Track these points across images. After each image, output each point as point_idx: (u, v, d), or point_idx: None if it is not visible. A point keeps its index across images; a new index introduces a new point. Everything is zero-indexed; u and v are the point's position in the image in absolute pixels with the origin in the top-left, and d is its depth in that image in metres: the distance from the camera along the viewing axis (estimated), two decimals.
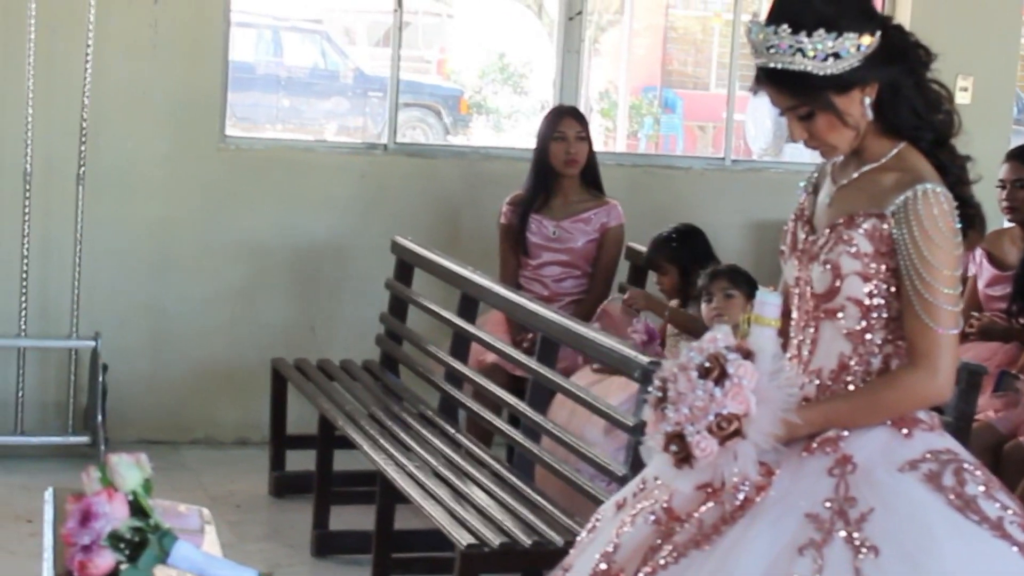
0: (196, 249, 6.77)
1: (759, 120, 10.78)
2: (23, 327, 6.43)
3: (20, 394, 6.48)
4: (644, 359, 4.35)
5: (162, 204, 6.70)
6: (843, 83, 3.00)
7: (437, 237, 6.73)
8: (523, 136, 7.08)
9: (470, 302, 5.72)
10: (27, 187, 6.36)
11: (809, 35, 2.97)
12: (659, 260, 5.88)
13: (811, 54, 2.97)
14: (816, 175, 3.25)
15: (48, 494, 3.52)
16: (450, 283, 5.88)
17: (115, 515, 2.73)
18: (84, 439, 6.40)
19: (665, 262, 5.83)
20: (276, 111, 11.02)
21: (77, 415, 6.54)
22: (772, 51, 3.00)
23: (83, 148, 6.39)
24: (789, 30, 2.98)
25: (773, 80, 3.04)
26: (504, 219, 6.42)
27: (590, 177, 6.40)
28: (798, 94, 3.03)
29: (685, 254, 5.76)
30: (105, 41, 6.43)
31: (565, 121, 6.35)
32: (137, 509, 2.77)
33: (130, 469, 2.81)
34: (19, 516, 5.68)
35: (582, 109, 6.93)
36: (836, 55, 2.97)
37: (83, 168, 6.40)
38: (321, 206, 6.93)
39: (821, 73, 2.99)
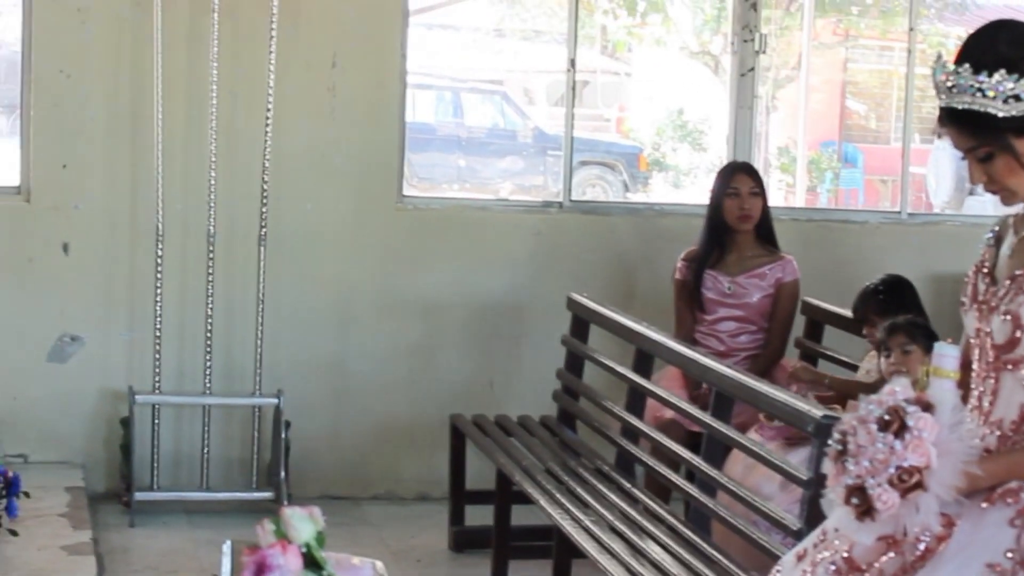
0: (376, 307, 6.87)
1: (940, 173, 10.65)
2: (208, 385, 6.57)
3: (206, 451, 6.61)
4: (818, 413, 4.31)
5: (342, 263, 6.82)
6: (1022, 126, 2.98)
7: (613, 293, 6.75)
8: (702, 192, 7.10)
9: (646, 358, 5.72)
10: (211, 249, 6.51)
11: (990, 75, 2.95)
12: (866, 313, 5.80)
13: (991, 95, 2.95)
14: (999, 227, 3.22)
15: (226, 547, 3.58)
16: (626, 339, 5.88)
17: (289, 567, 2.78)
18: (268, 495, 6.51)
19: (873, 315, 5.75)
20: (455, 171, 11.15)
21: (261, 471, 6.66)
22: (954, 91, 2.99)
23: (265, 210, 6.53)
24: (971, 70, 2.96)
25: (954, 120, 3.02)
26: (679, 275, 6.41)
27: (765, 232, 6.37)
28: (977, 134, 3.01)
29: (893, 306, 5.67)
30: (285, 105, 6.58)
31: (738, 177, 6.35)
32: (310, 561, 2.82)
33: (304, 522, 2.86)
34: (204, 570, 5.79)
35: (760, 165, 6.92)
36: (1017, 97, 2.95)
37: (265, 230, 6.54)
38: (498, 264, 6.99)
39: (1001, 114, 2.96)
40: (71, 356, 6.64)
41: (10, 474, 5.23)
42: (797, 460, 4.85)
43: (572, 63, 7.08)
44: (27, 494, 5.40)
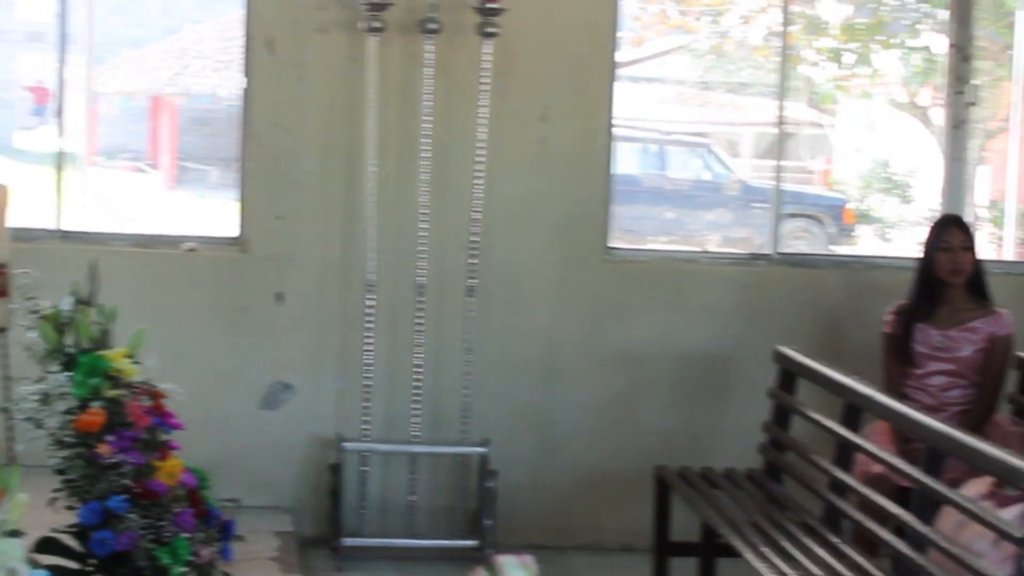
0: (581, 358, 6.90)
1: None
2: (415, 433, 6.66)
3: (412, 498, 6.70)
4: None
5: (549, 314, 6.87)
6: None
7: (820, 346, 6.70)
8: (910, 245, 7.01)
9: (854, 411, 5.67)
10: (420, 299, 6.61)
11: None
12: None
13: None
14: None
15: None
16: (834, 392, 5.83)
17: None
18: (473, 543, 6.57)
19: None
20: (661, 223, 11.17)
21: (467, 519, 6.72)
22: None
23: (473, 261, 6.61)
24: None
25: None
26: (888, 328, 6.35)
27: (977, 286, 6.29)
28: None
29: None
30: (494, 158, 6.67)
31: (950, 231, 6.28)
32: None
33: (516, 570, 2.90)
34: None
35: (969, 218, 6.82)
36: None
37: (473, 280, 6.63)
38: (704, 315, 6.99)
39: None
40: (283, 403, 6.79)
41: (225, 518, 5.35)
42: (1010, 517, 4.76)
43: (781, 116, 7.06)
44: (240, 538, 5.51)
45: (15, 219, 5.75)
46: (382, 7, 6.45)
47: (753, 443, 6.35)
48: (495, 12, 6.47)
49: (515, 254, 6.84)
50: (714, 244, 10.83)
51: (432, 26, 6.52)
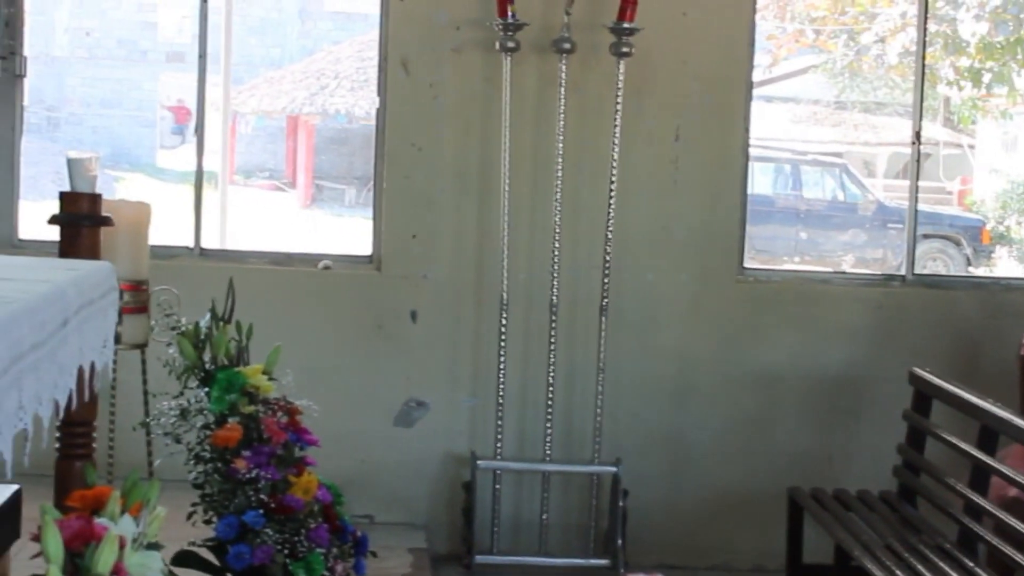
0: (714, 378, 6.89)
1: None
2: (548, 452, 6.68)
3: (544, 517, 6.72)
4: None
5: (681, 334, 6.87)
6: None
7: (955, 368, 6.63)
8: None
9: (990, 434, 5.60)
10: (553, 318, 6.64)
11: None
12: None
13: None
14: None
15: None
16: (970, 415, 5.77)
17: None
18: (604, 562, 6.57)
19: None
20: (795, 243, 11.12)
21: (598, 539, 6.73)
22: None
23: (606, 280, 6.63)
24: None
25: None
26: None
27: None
28: None
29: None
30: (628, 178, 6.68)
31: None
32: None
33: None
34: None
35: None
36: None
37: (606, 300, 6.64)
38: (838, 337, 6.94)
39: None
40: (417, 421, 6.84)
41: (359, 534, 5.41)
42: None
43: (917, 135, 7.01)
44: (374, 554, 5.56)
45: (155, 237, 5.85)
46: (517, 27, 6.49)
47: (887, 465, 6.30)
48: (629, 32, 6.49)
49: (648, 274, 6.84)
50: (848, 265, 10.76)
51: (566, 46, 6.55)
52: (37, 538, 3.11)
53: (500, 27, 6.50)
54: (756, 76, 7.21)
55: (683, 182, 6.83)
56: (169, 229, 7.40)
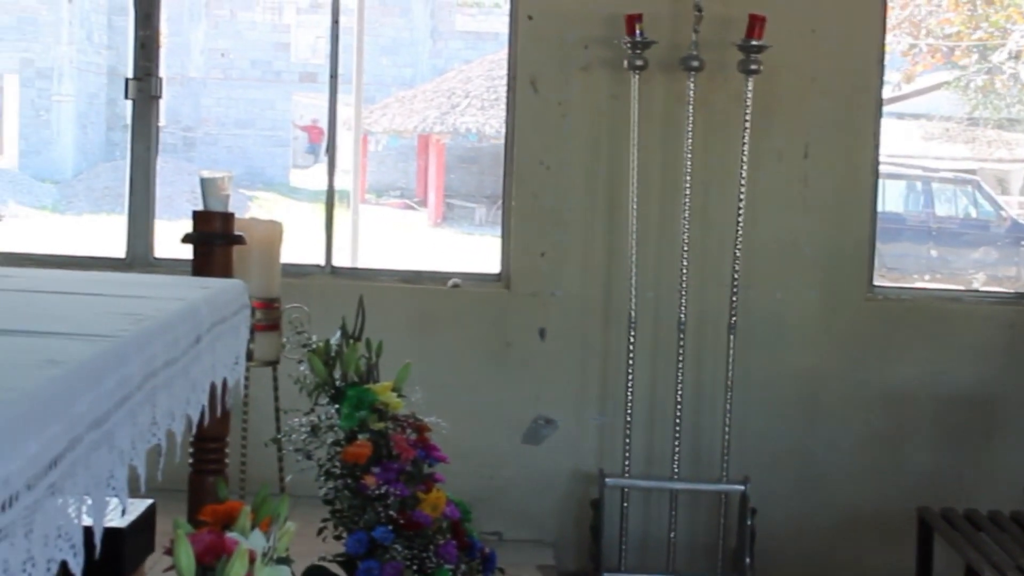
0: (843, 397, 6.84)
1: None
2: (676, 470, 6.67)
3: (672, 535, 6.71)
4: None
5: (810, 352, 6.83)
6: None
7: None
8: None
9: None
10: (681, 336, 6.63)
11: None
12: None
13: None
14: None
15: None
16: None
17: None
18: None
19: None
20: (926, 261, 11.01)
21: (726, 557, 6.70)
22: None
23: (735, 298, 6.61)
24: None
25: None
26: None
27: None
28: None
29: None
30: (756, 196, 6.66)
31: None
32: None
33: None
34: None
35: None
36: None
37: (734, 318, 6.62)
38: (969, 356, 6.86)
39: None
40: (545, 438, 6.87)
41: (487, 550, 5.45)
42: None
43: None
44: (502, 571, 5.59)
45: (287, 255, 5.93)
46: (645, 46, 6.50)
47: (1019, 485, 6.22)
48: (758, 49, 6.47)
49: (777, 292, 6.81)
50: (980, 283, 10.62)
51: (694, 64, 6.55)
52: (170, 551, 3.17)
53: (628, 45, 6.51)
54: (887, 93, 7.15)
55: (812, 199, 6.80)
56: (301, 247, 7.49)
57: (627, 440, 6.64)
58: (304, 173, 31.71)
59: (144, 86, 6.97)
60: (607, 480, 6.60)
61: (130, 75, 7.02)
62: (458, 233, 25.24)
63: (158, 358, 2.98)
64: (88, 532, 2.33)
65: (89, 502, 2.39)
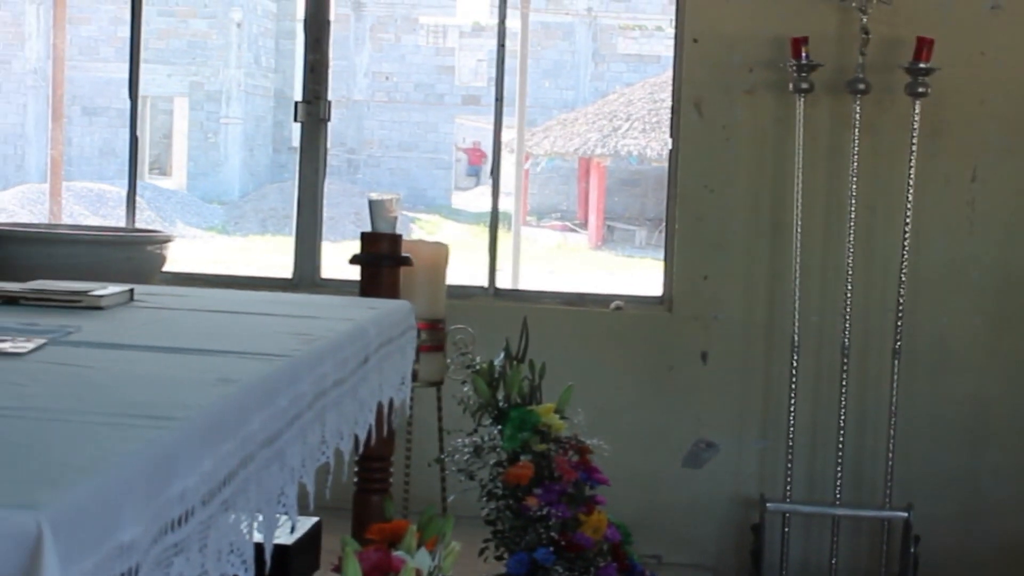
0: (1012, 424, 6.73)
1: None
2: (838, 496, 6.61)
3: (834, 561, 6.64)
4: None
5: (977, 378, 6.73)
6: None
7: None
8: None
9: None
10: (845, 361, 6.57)
11: None
12: None
13: None
14: None
15: None
16: None
17: None
18: None
19: None
20: None
21: None
22: None
23: (899, 323, 6.54)
24: None
25: None
26: None
27: None
28: None
29: None
30: (922, 220, 6.59)
31: None
32: None
33: None
34: None
35: None
36: None
37: (899, 342, 6.55)
38: None
39: None
40: (706, 462, 6.85)
41: (647, 573, 5.45)
42: None
43: None
44: None
45: (451, 277, 5.98)
46: (811, 68, 6.47)
47: None
48: (925, 72, 6.41)
49: (943, 317, 6.73)
50: None
51: (861, 87, 6.50)
52: (337, 569, 3.22)
53: (793, 68, 6.49)
54: None
55: (979, 223, 6.71)
56: (463, 269, 7.55)
57: (789, 465, 6.60)
58: (465, 195, 31.95)
59: (313, 109, 7.09)
60: (768, 505, 6.56)
61: (299, 98, 7.14)
62: (618, 256, 25.26)
63: (328, 378, 3.03)
64: (258, 548, 2.38)
65: (260, 518, 2.44)
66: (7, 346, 2.74)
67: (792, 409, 6.58)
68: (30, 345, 2.77)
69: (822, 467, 6.70)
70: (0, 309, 3.34)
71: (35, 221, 19.55)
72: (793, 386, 6.57)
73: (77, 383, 2.49)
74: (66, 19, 18.88)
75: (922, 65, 6.41)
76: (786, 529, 6.65)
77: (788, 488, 6.61)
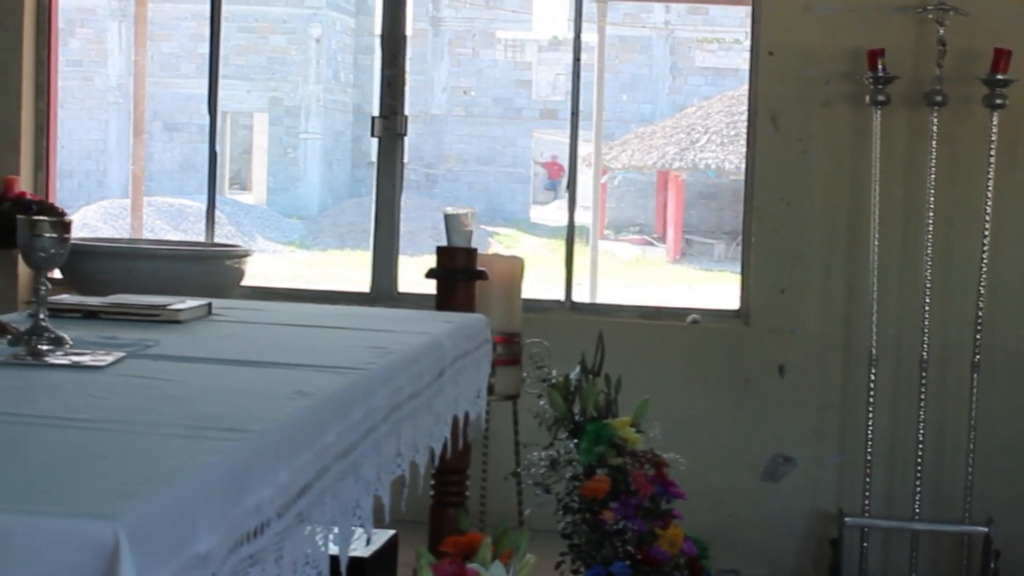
0: None
1: None
2: (917, 510, 6.56)
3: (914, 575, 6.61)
4: None
5: None
6: None
7: None
8: None
9: None
10: (923, 374, 6.53)
11: None
12: None
13: None
14: None
15: None
16: None
17: None
18: None
19: None
20: None
21: None
22: None
23: (978, 336, 6.49)
24: None
25: None
26: None
27: None
28: None
29: None
30: (1001, 232, 6.53)
31: None
32: None
33: None
34: None
35: None
36: None
37: (978, 355, 6.50)
38: None
39: None
40: (784, 476, 6.82)
41: None
42: None
43: None
44: None
45: (527, 290, 6.00)
46: (888, 81, 6.44)
47: None
48: (1003, 83, 6.36)
49: (1022, 329, 6.67)
50: None
51: (938, 99, 6.46)
52: None
53: (870, 80, 6.46)
54: None
55: None
56: (540, 282, 7.57)
57: (867, 479, 6.56)
58: (543, 209, 31.97)
59: (390, 124, 7.13)
60: (846, 519, 6.53)
61: (376, 113, 7.19)
62: (696, 269, 25.19)
63: (403, 391, 3.05)
64: (334, 561, 2.40)
65: (336, 531, 2.46)
66: (87, 359, 2.78)
67: (870, 423, 6.54)
68: (109, 358, 2.81)
69: (901, 481, 6.66)
70: (81, 323, 3.39)
71: (116, 236, 19.76)
72: (871, 399, 6.53)
73: (155, 396, 2.53)
74: (147, 36, 19.09)
75: (999, 76, 6.36)
76: (864, 544, 6.61)
77: (866, 502, 6.57)
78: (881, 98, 6.46)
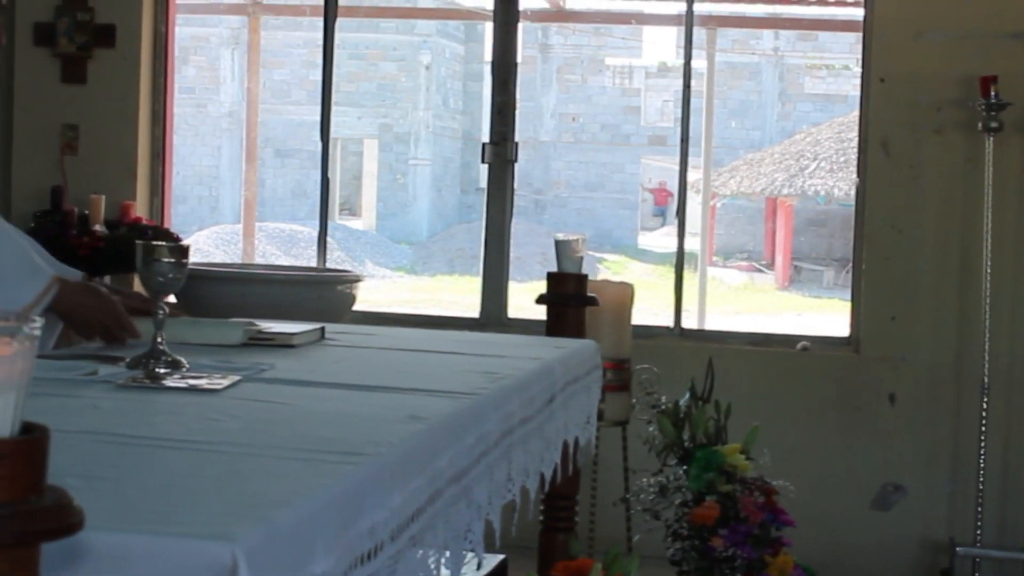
0: None
1: None
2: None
3: None
4: None
5: None
6: None
7: None
8: None
9: None
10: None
11: None
12: None
13: None
14: None
15: None
16: None
17: None
18: None
19: None
20: None
21: None
22: None
23: None
24: None
25: None
26: None
27: None
28: None
29: None
30: None
31: None
32: None
33: None
34: None
35: None
36: None
37: None
38: None
39: None
40: (894, 505, 6.76)
41: None
42: None
43: None
44: None
45: (636, 317, 6.00)
46: (1000, 107, 6.38)
47: None
48: None
49: None
50: None
51: None
52: None
53: (983, 107, 6.41)
54: None
55: None
56: (648, 309, 7.57)
57: (979, 508, 6.49)
58: (651, 235, 31.92)
59: (500, 151, 7.17)
60: (958, 549, 6.46)
61: (486, 140, 7.23)
62: (805, 296, 25.02)
63: (515, 416, 3.07)
64: None
65: (447, 554, 2.48)
66: (204, 383, 2.83)
67: (982, 452, 6.47)
68: (225, 382, 2.85)
69: (1014, 511, 6.58)
70: (198, 348, 3.44)
71: (229, 261, 19.97)
72: (983, 428, 6.46)
73: (270, 419, 2.56)
74: (259, 64, 19.30)
75: None
76: (976, 574, 6.54)
77: (978, 532, 6.50)
78: (994, 125, 6.41)
